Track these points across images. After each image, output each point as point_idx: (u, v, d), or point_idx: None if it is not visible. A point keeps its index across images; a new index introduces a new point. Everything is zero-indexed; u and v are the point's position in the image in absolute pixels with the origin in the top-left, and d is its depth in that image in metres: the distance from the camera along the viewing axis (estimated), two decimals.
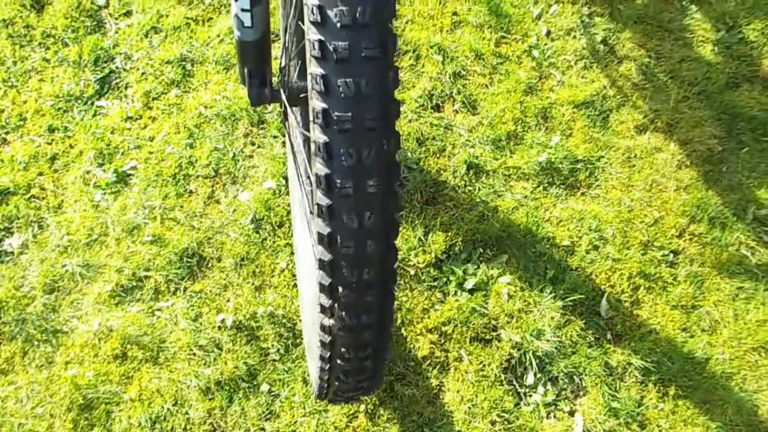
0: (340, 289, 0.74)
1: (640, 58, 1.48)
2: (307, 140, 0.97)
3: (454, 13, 1.53)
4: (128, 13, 1.52)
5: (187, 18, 1.52)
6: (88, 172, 1.35)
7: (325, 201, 0.69)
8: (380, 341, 0.81)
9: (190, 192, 1.34)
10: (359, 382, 0.89)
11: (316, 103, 0.66)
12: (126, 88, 1.45)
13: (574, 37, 1.51)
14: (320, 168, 0.68)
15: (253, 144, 1.39)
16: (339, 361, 0.83)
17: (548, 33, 1.51)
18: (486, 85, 1.45)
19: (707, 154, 1.38)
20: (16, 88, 1.44)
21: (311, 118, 0.69)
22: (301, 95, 0.94)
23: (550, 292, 1.23)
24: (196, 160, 1.36)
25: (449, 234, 1.29)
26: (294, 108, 0.99)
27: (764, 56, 1.48)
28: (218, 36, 1.50)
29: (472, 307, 1.21)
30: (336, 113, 0.65)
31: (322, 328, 0.80)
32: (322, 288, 0.75)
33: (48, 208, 1.32)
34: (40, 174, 1.35)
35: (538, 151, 1.37)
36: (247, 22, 0.89)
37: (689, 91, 1.45)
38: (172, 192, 1.33)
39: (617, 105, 1.43)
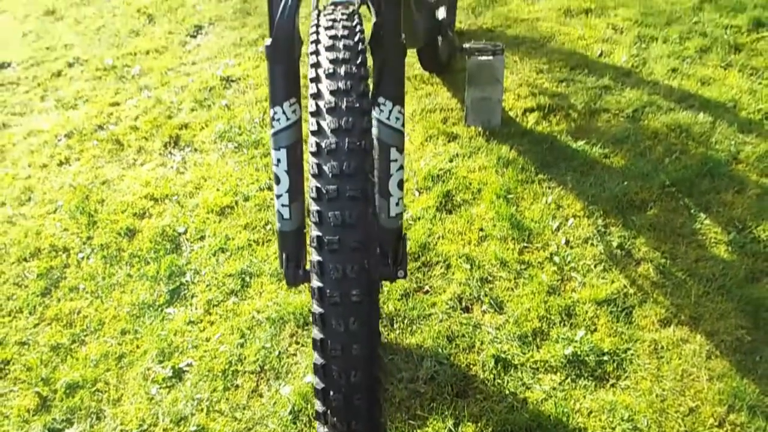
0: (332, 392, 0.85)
1: (656, 260, 1.59)
2: None
3: (481, 229, 1.73)
4: (202, 237, 1.80)
5: (250, 240, 1.77)
6: (149, 369, 1.49)
7: (318, 309, 0.83)
8: None
9: (237, 386, 1.44)
10: None
11: (312, 232, 0.84)
12: (192, 297, 1.65)
13: (592, 244, 1.65)
14: (315, 282, 0.83)
15: (297, 343, 1.51)
16: None
17: (567, 242, 1.66)
18: (511, 288, 1.57)
19: (736, 344, 1.40)
20: (100, 298, 1.67)
21: (309, 242, 0.87)
22: None
23: None
24: (245, 358, 1.49)
25: (479, 425, 1.31)
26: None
27: None
28: (274, 253, 1.73)
29: None
30: (327, 237, 0.81)
31: None
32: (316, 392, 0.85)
33: (108, 400, 1.44)
34: (107, 370, 1.50)
35: (564, 345, 1.43)
36: (286, 216, 1.09)
37: (709, 286, 1.51)
38: (221, 386, 1.44)
39: (639, 301, 1.51)
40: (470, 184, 1.86)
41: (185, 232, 1.83)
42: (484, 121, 2.04)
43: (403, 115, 1.11)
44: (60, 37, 2.81)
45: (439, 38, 2.11)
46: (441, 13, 2.13)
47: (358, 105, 0.94)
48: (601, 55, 2.31)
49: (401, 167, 1.11)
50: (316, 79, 0.98)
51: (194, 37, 2.71)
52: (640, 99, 2.08)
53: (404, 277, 1.16)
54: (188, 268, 1.72)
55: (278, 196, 1.09)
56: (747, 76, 2.14)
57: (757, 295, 1.48)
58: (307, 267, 1.14)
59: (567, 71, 2.24)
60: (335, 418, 0.84)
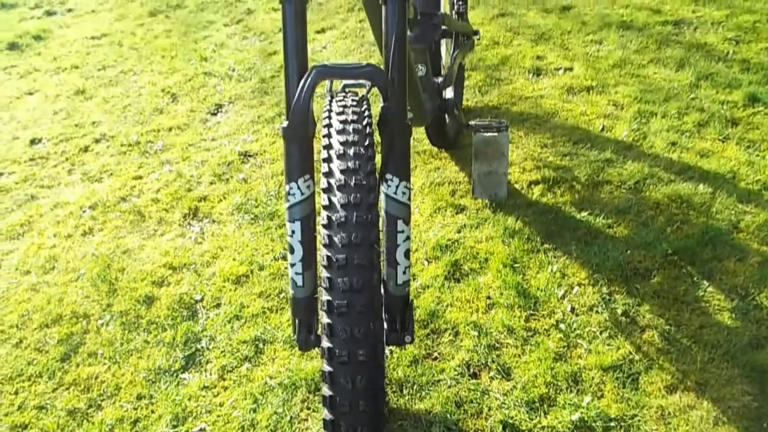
0: None
1: (660, 326, 1.62)
2: None
3: (488, 297, 1.77)
4: (218, 305, 1.86)
5: (264, 308, 1.83)
6: None
7: (327, 368, 0.89)
8: None
9: None
10: None
11: (323, 297, 0.91)
12: (207, 363, 1.69)
13: (597, 311, 1.69)
14: (325, 342, 0.88)
15: (308, 408, 1.54)
16: None
17: (573, 309, 1.70)
18: (518, 355, 1.60)
19: (743, 410, 1.41)
20: (118, 363, 1.72)
21: (319, 306, 0.94)
22: None
23: None
24: (258, 423, 1.52)
25: None
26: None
27: None
28: (287, 321, 1.78)
29: None
30: (336, 302, 0.87)
31: None
32: None
33: None
34: None
35: (571, 411, 1.44)
36: (299, 283, 1.16)
37: (714, 353, 1.54)
38: None
39: (645, 368, 1.53)
40: (477, 253, 1.92)
41: (202, 300, 1.89)
42: (490, 193, 2.12)
43: (409, 189, 1.19)
44: (89, 115, 2.97)
45: (447, 116, 2.22)
46: (448, 92, 2.26)
47: (365, 182, 1.04)
48: (602, 129, 2.41)
49: (408, 238, 1.17)
50: (328, 159, 1.08)
51: (215, 114, 2.86)
52: (642, 171, 2.16)
53: (411, 342, 1.20)
54: (204, 335, 1.77)
55: (292, 265, 1.16)
56: (744, 148, 2.22)
57: (762, 361, 1.50)
58: (319, 332, 1.20)
59: (570, 145, 2.34)
60: None
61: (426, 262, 1.92)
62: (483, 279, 1.83)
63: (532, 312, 1.71)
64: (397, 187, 1.15)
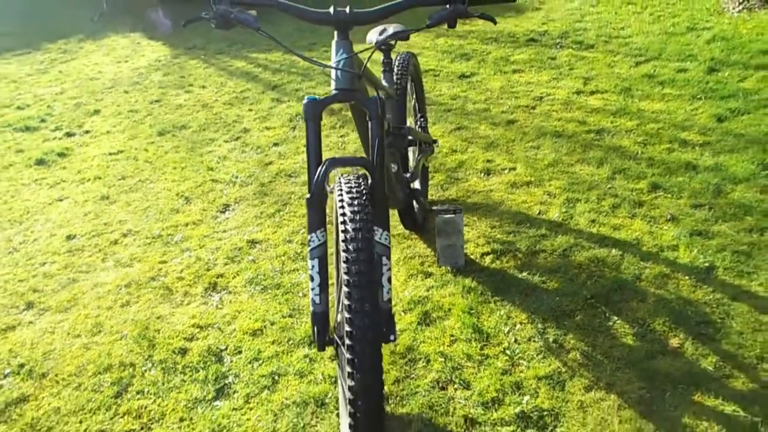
0: None
1: (581, 348, 2.15)
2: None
3: (451, 335, 2.29)
4: (239, 351, 2.33)
5: (277, 351, 2.31)
6: None
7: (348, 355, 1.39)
8: None
9: None
10: None
11: (344, 300, 1.42)
12: (234, 393, 2.15)
13: (534, 341, 2.21)
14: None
15: (318, 417, 2.00)
16: None
17: (516, 340, 2.23)
18: (475, 373, 2.10)
19: (639, 399, 1.92)
20: (161, 397, 2.16)
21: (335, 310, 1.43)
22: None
23: None
24: (278, 430, 1.96)
25: None
26: (340, 349, 1.69)
27: (672, 336, 2.13)
28: (297, 359, 2.26)
29: None
30: (352, 305, 1.40)
31: None
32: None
33: None
34: None
35: (515, 407, 1.93)
36: (318, 302, 1.68)
37: (619, 363, 2.07)
38: None
39: (569, 376, 2.04)
40: (442, 305, 2.46)
41: (226, 349, 2.37)
42: (451, 262, 2.69)
43: (389, 236, 1.74)
44: (114, 215, 3.52)
45: (415, 203, 2.83)
46: (416, 184, 2.88)
47: (367, 235, 1.55)
48: (539, 213, 3.04)
49: (389, 269, 1.71)
50: (342, 217, 1.61)
51: (223, 212, 3.43)
52: (569, 242, 2.76)
53: (394, 341, 1.71)
54: (230, 373, 2.24)
55: (312, 289, 1.68)
56: (647, 222, 2.85)
57: (654, 367, 2.03)
58: (330, 336, 1.71)
59: (513, 225, 2.95)
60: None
61: (403, 313, 2.44)
62: (447, 322, 2.36)
63: (485, 343, 2.23)
64: (381, 234, 1.70)
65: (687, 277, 2.45)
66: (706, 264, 2.51)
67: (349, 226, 1.54)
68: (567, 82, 4.64)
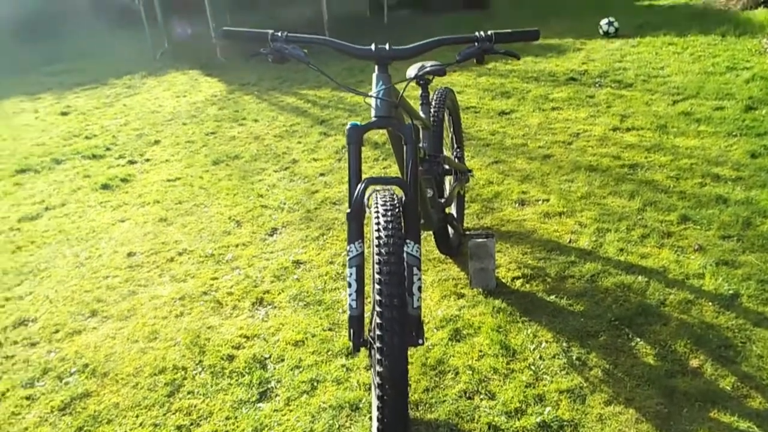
0: None
1: (603, 366, 2.26)
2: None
3: (480, 351, 2.42)
4: (282, 360, 2.52)
5: (317, 360, 2.48)
6: None
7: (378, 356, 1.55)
8: None
9: None
10: None
11: (377, 307, 1.59)
12: (276, 396, 2.33)
13: (558, 358, 2.33)
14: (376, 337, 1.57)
15: (351, 420, 2.16)
16: None
17: (541, 357, 2.35)
18: (501, 385, 2.23)
19: (657, 413, 2.02)
20: (210, 398, 2.36)
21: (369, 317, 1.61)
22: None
23: None
24: (315, 430, 2.13)
25: None
26: (373, 350, 1.86)
27: (692, 357, 2.22)
28: (335, 368, 2.42)
29: None
30: (384, 309, 1.57)
31: None
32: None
33: None
34: None
35: (536, 417, 2.05)
36: (354, 306, 1.86)
37: (640, 380, 2.17)
38: None
39: (590, 391, 2.15)
40: (473, 323, 2.60)
41: (270, 357, 2.56)
42: (483, 285, 2.84)
43: (420, 248, 1.91)
44: (171, 236, 3.79)
45: (450, 229, 3.00)
46: (451, 209, 3.05)
47: (399, 245, 1.75)
48: (569, 242, 3.16)
49: (420, 279, 1.88)
50: (377, 230, 1.80)
51: (271, 235, 3.67)
52: (597, 268, 2.88)
53: (422, 344, 1.86)
54: (273, 378, 2.42)
55: (350, 295, 1.86)
56: (675, 252, 2.94)
57: (672, 386, 2.13)
58: (365, 337, 1.88)
59: (544, 252, 3.08)
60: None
61: (435, 330, 2.59)
62: (476, 339, 2.50)
63: (511, 358, 2.36)
64: (412, 247, 1.88)
65: (711, 304, 2.54)
66: (731, 292, 2.59)
67: (382, 233, 1.73)
68: (604, 119, 4.77)
